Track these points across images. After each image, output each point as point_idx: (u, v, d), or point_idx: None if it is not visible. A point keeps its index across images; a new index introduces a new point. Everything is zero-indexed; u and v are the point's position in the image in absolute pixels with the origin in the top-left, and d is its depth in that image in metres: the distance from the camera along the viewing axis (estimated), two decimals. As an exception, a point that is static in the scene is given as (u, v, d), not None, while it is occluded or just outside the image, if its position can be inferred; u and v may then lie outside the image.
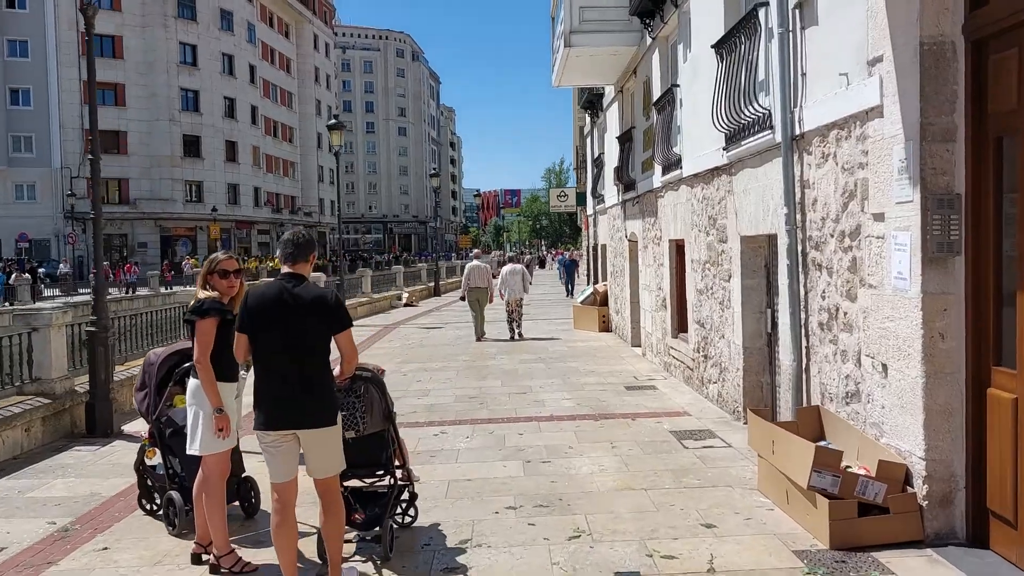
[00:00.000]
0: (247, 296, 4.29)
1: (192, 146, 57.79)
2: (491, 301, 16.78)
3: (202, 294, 4.67)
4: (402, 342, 16.56)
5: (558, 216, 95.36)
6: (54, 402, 7.95)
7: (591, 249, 22.26)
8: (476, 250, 19.77)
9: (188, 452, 4.73)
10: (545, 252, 78.55)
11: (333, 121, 19.94)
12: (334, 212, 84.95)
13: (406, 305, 26.73)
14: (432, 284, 32.35)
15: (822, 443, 5.62)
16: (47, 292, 35.36)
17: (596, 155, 18.87)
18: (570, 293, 28.93)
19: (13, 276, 29.32)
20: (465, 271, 17.01)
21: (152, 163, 55.75)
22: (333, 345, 4.27)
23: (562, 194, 28.96)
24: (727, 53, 7.59)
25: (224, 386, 4.61)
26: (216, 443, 4.60)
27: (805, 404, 6.33)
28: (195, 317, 4.57)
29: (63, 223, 51.71)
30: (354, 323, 4.58)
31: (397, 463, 5.30)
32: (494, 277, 17.98)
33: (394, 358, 13.94)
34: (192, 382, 4.66)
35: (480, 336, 16.37)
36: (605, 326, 17.19)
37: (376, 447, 5.16)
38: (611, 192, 16.62)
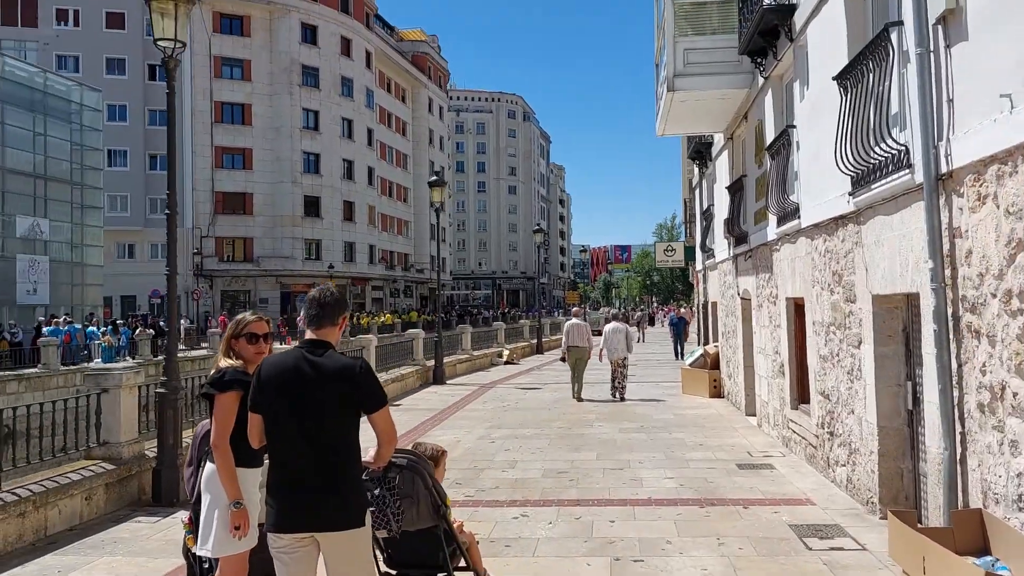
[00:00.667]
0: (260, 367, 3.62)
1: (312, 206, 60.01)
2: (589, 358, 16.12)
3: (224, 363, 4.01)
4: (496, 404, 15.79)
5: (670, 272, 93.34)
6: (119, 468, 7.58)
7: (701, 307, 20.99)
8: (576, 307, 19.24)
9: (198, 552, 4.04)
10: (656, 309, 76.53)
11: (434, 178, 19.79)
12: (445, 268, 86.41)
13: (507, 363, 26.04)
14: (535, 341, 31.60)
15: (988, 560, 4.42)
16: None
17: (705, 207, 17.79)
18: (680, 354, 27.47)
19: (137, 331, 30.62)
20: (564, 329, 16.51)
21: (275, 223, 58.19)
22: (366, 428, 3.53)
23: (669, 248, 27.68)
24: (852, 84, 6.58)
25: (245, 472, 3.92)
26: (232, 543, 3.87)
27: (961, 505, 5.10)
28: (213, 391, 3.91)
29: (192, 280, 54.59)
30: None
31: (462, 564, 4.49)
32: (596, 334, 17.19)
33: (485, 422, 13.17)
34: (208, 467, 3.99)
35: (579, 397, 15.62)
36: (716, 391, 15.87)
37: (430, 544, 4.35)
38: (721, 246, 15.50)
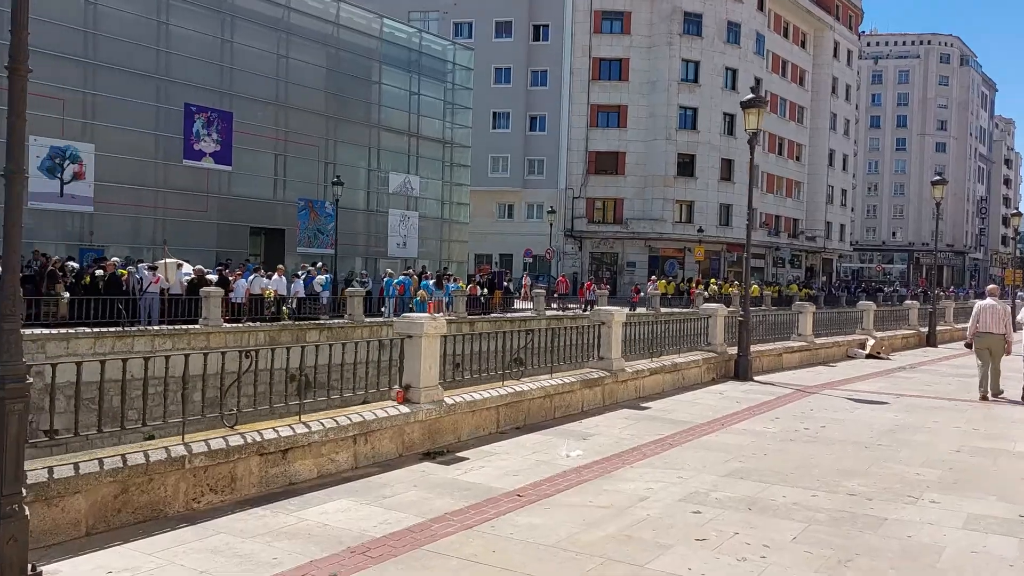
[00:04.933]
0: None
1: (686, 165, 56.00)
2: (1008, 352, 13.15)
3: None
4: (788, 424, 10.23)
5: None
6: None
7: None
8: (992, 286, 14.09)
9: None
10: None
11: (749, 96, 14.36)
12: (843, 237, 75.44)
13: (869, 356, 19.22)
14: (925, 330, 23.60)
15: None
16: (517, 304, 36.42)
17: None
18: None
19: (468, 287, 29.86)
20: (974, 311, 13.76)
21: (646, 183, 55.49)
22: None
23: None
24: None
25: None
26: None
27: None
28: None
29: (563, 240, 54.38)
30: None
31: None
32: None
33: (730, 462, 7.97)
34: None
35: (996, 392, 13.13)
36: None
37: None
38: None
